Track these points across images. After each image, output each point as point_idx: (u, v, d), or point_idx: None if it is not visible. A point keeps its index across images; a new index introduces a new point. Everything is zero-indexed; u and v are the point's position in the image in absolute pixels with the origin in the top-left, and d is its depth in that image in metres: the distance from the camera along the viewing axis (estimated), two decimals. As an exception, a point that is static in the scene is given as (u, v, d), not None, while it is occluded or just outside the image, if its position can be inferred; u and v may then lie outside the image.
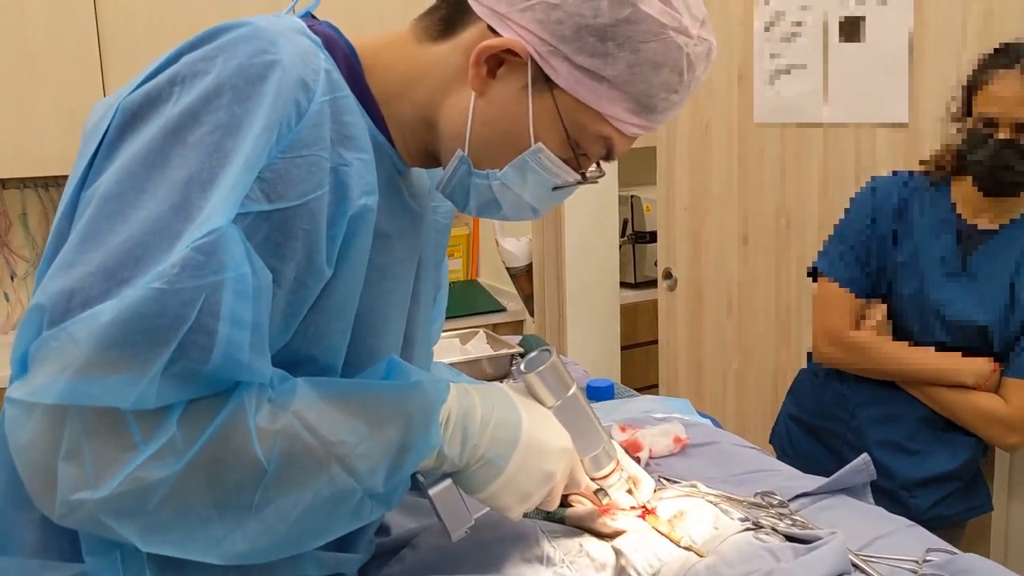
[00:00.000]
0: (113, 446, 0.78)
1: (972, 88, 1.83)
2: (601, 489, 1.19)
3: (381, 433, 0.90)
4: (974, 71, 1.84)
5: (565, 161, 0.98)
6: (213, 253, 0.78)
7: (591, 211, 3.20)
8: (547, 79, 0.94)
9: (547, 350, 1.14)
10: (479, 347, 2.05)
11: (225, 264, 0.79)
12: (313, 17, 1.01)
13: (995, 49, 1.82)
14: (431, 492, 1.02)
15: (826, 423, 2.11)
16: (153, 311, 0.76)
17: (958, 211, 1.92)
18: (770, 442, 2.26)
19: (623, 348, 3.43)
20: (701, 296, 2.75)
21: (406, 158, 1.03)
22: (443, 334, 2.07)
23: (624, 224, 3.58)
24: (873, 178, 2.03)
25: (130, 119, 0.85)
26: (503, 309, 3.49)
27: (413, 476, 0.98)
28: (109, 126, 0.86)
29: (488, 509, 1.05)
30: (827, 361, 2.06)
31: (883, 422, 2.01)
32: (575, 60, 0.92)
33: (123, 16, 2.92)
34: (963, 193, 1.91)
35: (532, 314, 3.36)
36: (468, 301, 3.55)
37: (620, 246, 3.48)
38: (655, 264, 2.97)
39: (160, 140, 0.83)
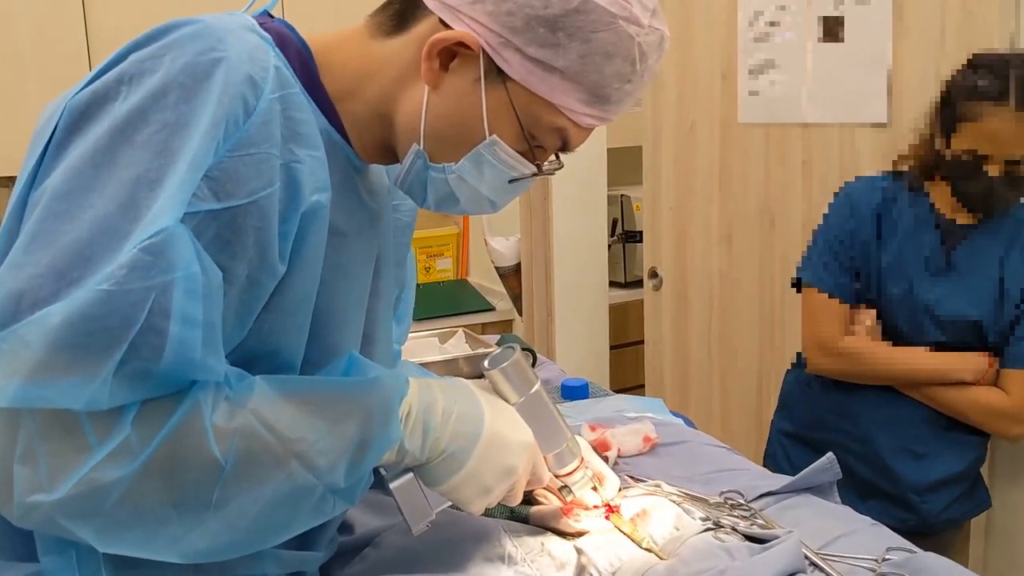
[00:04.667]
0: (67, 448, 0.78)
1: (956, 111, 1.77)
2: (565, 486, 1.20)
3: (340, 429, 0.90)
4: (958, 92, 1.78)
5: (521, 154, 0.98)
6: (161, 253, 0.78)
7: (580, 210, 3.20)
8: (500, 71, 0.94)
9: (511, 347, 1.14)
10: (458, 346, 2.05)
11: (174, 264, 0.79)
12: (269, 16, 1.01)
13: (973, 65, 1.77)
14: (392, 485, 1.03)
15: (827, 435, 2.02)
16: (102, 313, 0.76)
17: (938, 209, 1.90)
18: (764, 464, 2.17)
19: (613, 348, 3.42)
20: (686, 295, 2.75)
21: (363, 155, 1.03)
22: (422, 333, 2.08)
23: (614, 223, 3.58)
24: (847, 184, 2.00)
25: (78, 118, 0.85)
26: (492, 308, 3.49)
27: (375, 470, 0.99)
28: (57, 126, 0.86)
29: (449, 503, 1.06)
30: (822, 372, 2.01)
31: (889, 427, 1.96)
32: (527, 51, 0.93)
33: (112, 15, 2.93)
34: (942, 193, 1.88)
35: (521, 314, 3.36)
36: (457, 300, 3.55)
37: (610, 245, 3.48)
38: (645, 263, 2.97)
39: (108, 139, 0.83)
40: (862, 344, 1.94)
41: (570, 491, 1.20)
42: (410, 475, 1.03)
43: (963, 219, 1.89)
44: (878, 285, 1.93)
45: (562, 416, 1.17)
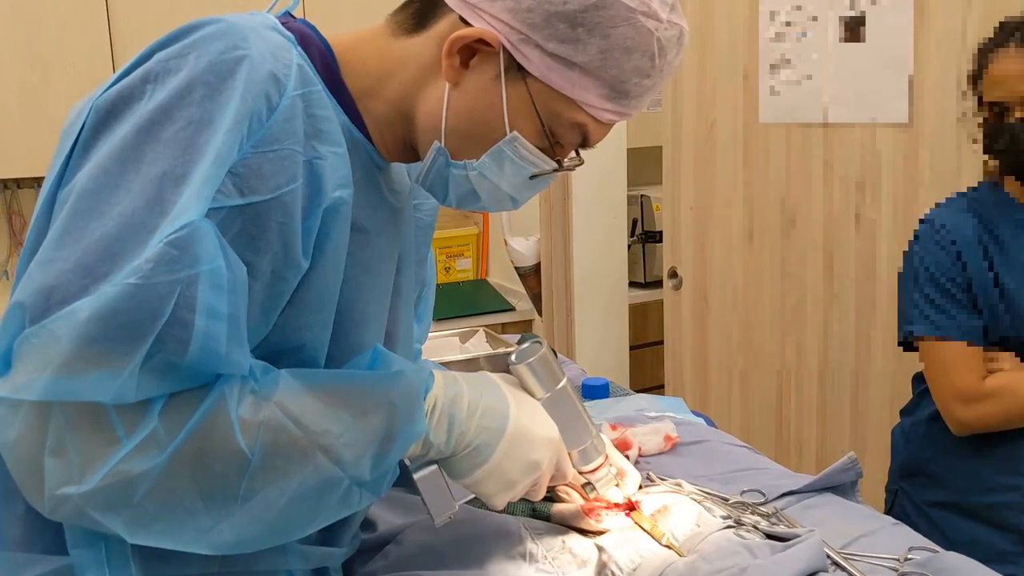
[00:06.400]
0: (96, 440, 0.79)
1: (976, 77, 1.71)
2: (589, 483, 1.20)
3: (365, 422, 0.91)
4: (974, 58, 1.72)
5: (542, 150, 0.99)
6: (187, 247, 0.79)
7: (600, 210, 3.20)
8: (520, 68, 0.95)
9: (538, 342, 1.14)
10: (479, 346, 2.05)
11: (199, 258, 0.80)
12: (291, 16, 1.02)
13: (993, 29, 1.71)
14: (416, 476, 1.03)
15: (994, 497, 1.74)
16: (129, 306, 0.77)
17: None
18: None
19: (633, 348, 3.42)
20: (706, 296, 2.74)
21: (385, 153, 1.04)
22: (443, 333, 2.09)
23: (634, 224, 3.58)
24: (931, 214, 1.78)
25: (104, 117, 0.87)
26: (512, 308, 3.50)
27: (400, 463, 0.99)
28: (84, 125, 0.88)
29: (473, 495, 1.06)
30: (973, 425, 1.72)
31: None
32: (546, 47, 0.93)
33: (135, 16, 2.96)
34: (1015, 188, 1.73)
35: (541, 313, 3.37)
36: (477, 300, 3.56)
37: (630, 246, 3.48)
38: (665, 264, 2.96)
39: (134, 137, 0.84)
40: (1008, 377, 1.69)
41: (593, 488, 1.20)
42: (434, 467, 1.03)
43: None
44: (1008, 314, 1.71)
45: (587, 413, 1.17)
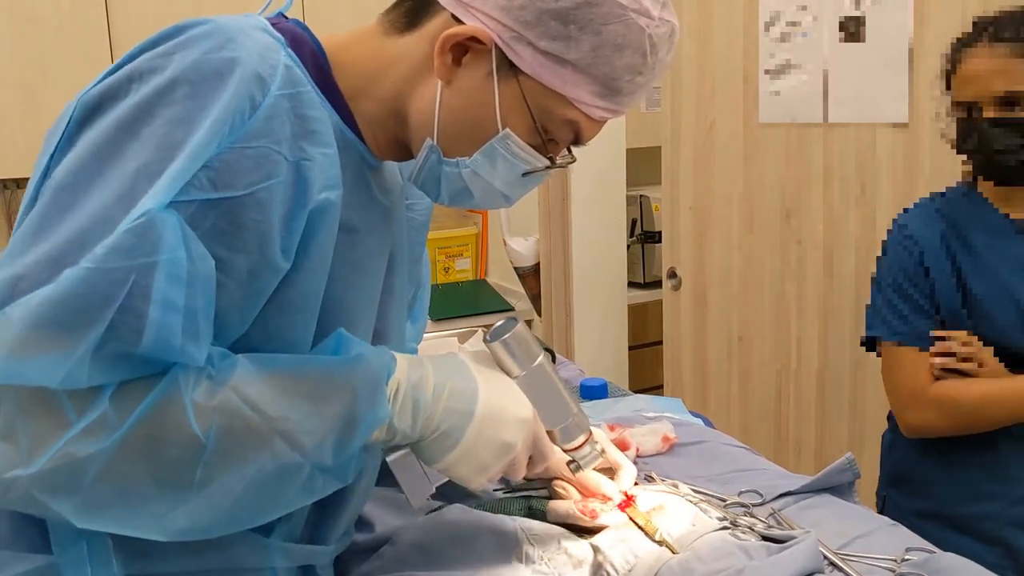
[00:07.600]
0: (47, 424, 0.79)
1: (948, 76, 1.68)
2: (573, 461, 1.17)
3: (325, 407, 0.90)
4: (946, 57, 1.69)
5: (534, 147, 0.98)
6: (144, 235, 0.79)
7: (599, 210, 3.20)
8: (512, 65, 0.94)
9: (514, 319, 1.11)
10: (477, 346, 2.05)
11: (157, 247, 0.79)
12: (284, 17, 1.02)
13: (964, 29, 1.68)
14: (389, 459, 1.02)
15: (975, 507, 1.71)
16: (82, 291, 0.77)
17: (1002, 210, 1.68)
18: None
19: (632, 348, 3.42)
20: (705, 296, 2.73)
21: (377, 153, 1.03)
22: (442, 333, 2.09)
23: (633, 224, 3.58)
24: (900, 218, 1.78)
25: (89, 113, 0.87)
26: (511, 308, 3.49)
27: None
28: (70, 121, 0.88)
29: (448, 479, 1.04)
30: (918, 429, 1.72)
31: None
32: (538, 45, 0.93)
33: (135, 17, 2.96)
34: (988, 190, 1.69)
35: (540, 314, 3.36)
36: (476, 301, 3.55)
37: (629, 246, 3.47)
38: (665, 264, 2.95)
39: (114, 133, 0.84)
40: (952, 385, 1.67)
41: (579, 466, 1.17)
42: (407, 448, 1.02)
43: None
44: (973, 320, 1.67)
45: (568, 389, 1.14)
